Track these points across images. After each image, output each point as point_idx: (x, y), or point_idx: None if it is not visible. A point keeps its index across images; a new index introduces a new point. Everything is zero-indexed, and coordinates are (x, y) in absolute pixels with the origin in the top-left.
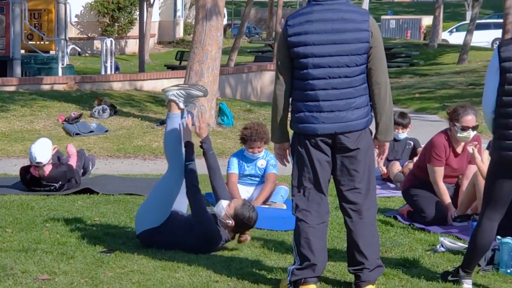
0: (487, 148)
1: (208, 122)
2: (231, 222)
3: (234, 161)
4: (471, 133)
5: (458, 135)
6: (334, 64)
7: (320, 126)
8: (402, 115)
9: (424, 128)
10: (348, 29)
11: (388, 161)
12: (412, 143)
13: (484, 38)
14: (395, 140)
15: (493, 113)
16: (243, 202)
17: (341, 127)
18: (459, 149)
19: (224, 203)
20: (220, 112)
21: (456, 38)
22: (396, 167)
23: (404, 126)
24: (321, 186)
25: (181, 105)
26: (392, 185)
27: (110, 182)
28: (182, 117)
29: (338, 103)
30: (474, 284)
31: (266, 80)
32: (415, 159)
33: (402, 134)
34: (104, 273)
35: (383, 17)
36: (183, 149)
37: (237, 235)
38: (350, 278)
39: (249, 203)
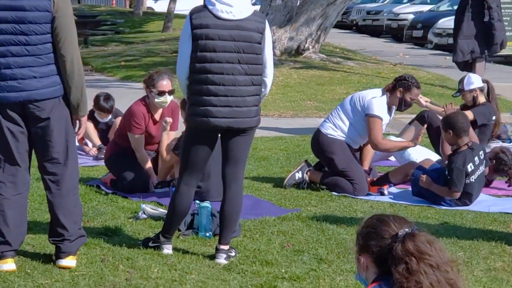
0: None
1: None
2: None
3: None
4: (168, 98)
5: (156, 100)
6: (10, 31)
7: (4, 95)
8: (106, 99)
9: (130, 96)
10: None
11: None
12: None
13: (187, 6)
14: (99, 122)
15: (187, 80)
16: None
17: (27, 96)
18: (157, 116)
19: None
20: None
21: (161, 6)
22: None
23: (108, 111)
24: (15, 157)
25: None
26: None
27: None
28: None
29: (21, 71)
30: (174, 248)
31: None
32: None
33: (106, 119)
34: None
35: None
36: None
37: None
38: (51, 250)
39: None
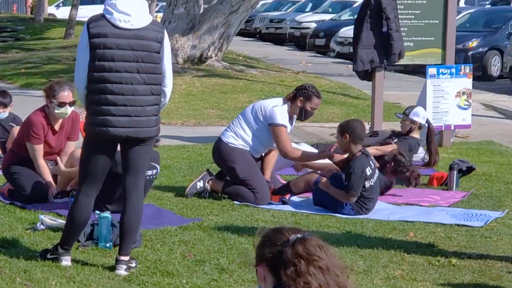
0: None
1: None
2: None
3: None
4: (69, 109)
5: (56, 111)
6: None
7: None
8: (3, 93)
9: (29, 105)
10: None
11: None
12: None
13: (89, 12)
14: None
15: (85, 89)
16: None
17: None
18: (57, 126)
19: None
20: None
21: (63, 12)
22: None
23: (5, 105)
24: None
25: None
26: None
27: None
28: None
29: None
30: (73, 260)
31: None
32: None
33: (4, 114)
34: None
35: None
36: None
37: None
38: None
39: None
